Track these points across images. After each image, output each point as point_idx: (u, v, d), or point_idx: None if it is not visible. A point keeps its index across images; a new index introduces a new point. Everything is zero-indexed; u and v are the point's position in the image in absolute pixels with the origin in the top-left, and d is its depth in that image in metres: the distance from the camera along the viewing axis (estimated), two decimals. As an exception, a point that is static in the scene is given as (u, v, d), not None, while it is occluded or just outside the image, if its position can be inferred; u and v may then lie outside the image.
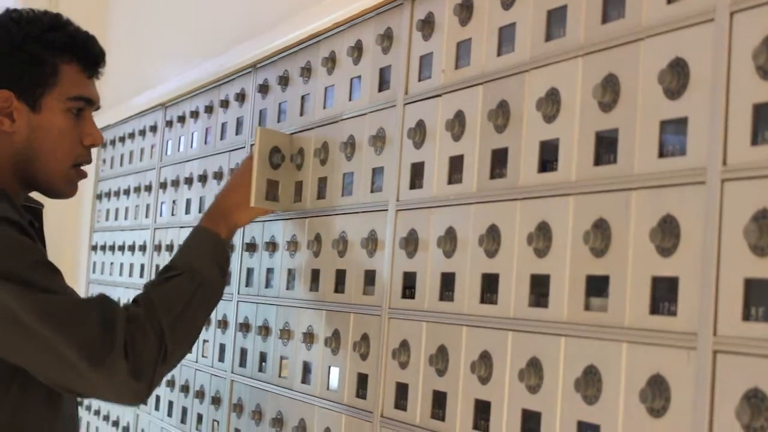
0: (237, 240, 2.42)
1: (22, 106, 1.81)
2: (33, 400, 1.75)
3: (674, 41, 1.22)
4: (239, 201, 2.02)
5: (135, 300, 1.78)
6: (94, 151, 1.99)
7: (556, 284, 1.36)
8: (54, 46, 1.84)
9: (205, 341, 2.59)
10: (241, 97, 2.51)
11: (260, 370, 2.26)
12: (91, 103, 1.90)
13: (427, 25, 1.74)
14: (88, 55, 1.90)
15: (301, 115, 2.20)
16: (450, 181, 1.64)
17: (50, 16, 1.89)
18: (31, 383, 1.71)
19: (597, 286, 1.30)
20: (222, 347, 2.48)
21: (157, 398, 2.86)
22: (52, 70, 1.84)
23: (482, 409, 1.49)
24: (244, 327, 2.34)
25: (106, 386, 1.65)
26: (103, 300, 1.72)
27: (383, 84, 1.89)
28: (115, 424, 3.22)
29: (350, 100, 2.00)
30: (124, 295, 3.22)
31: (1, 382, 1.71)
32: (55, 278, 1.71)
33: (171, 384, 2.74)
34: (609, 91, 1.30)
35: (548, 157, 1.42)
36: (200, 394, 2.57)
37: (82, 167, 1.91)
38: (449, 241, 1.59)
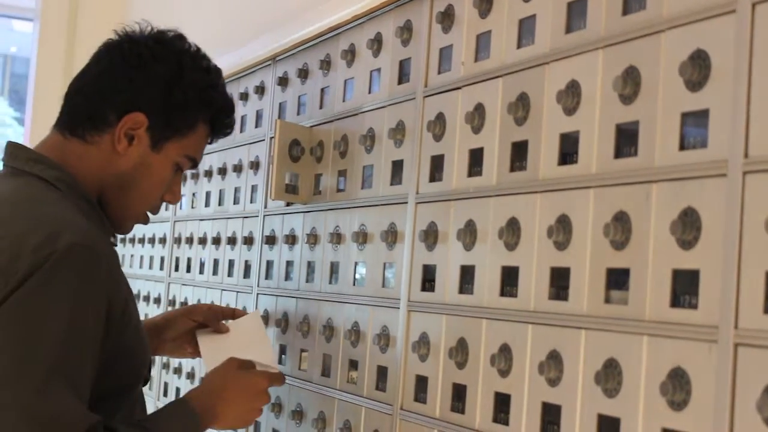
0: (257, 233, 2.43)
1: (146, 138, 1.73)
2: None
3: (695, 33, 1.21)
4: (237, 409, 1.82)
5: None
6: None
7: (577, 277, 1.36)
8: (207, 105, 1.79)
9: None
10: (260, 89, 2.51)
11: (280, 362, 2.26)
12: (195, 166, 1.86)
13: (446, 18, 1.73)
14: (224, 126, 1.86)
15: (321, 107, 2.20)
16: (470, 174, 1.64)
17: (215, 69, 1.84)
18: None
19: (617, 279, 1.30)
20: (242, 339, 2.49)
21: (177, 391, 2.87)
22: (192, 123, 1.77)
23: (502, 402, 1.49)
24: (264, 319, 2.34)
25: None
26: None
27: (403, 76, 1.88)
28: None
29: (370, 92, 2.00)
30: (144, 287, 3.24)
31: None
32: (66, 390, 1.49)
33: (191, 377, 2.75)
34: (629, 84, 1.29)
35: (568, 149, 1.42)
36: (220, 386, 2.57)
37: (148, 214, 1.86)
38: (469, 233, 1.59)
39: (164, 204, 1.85)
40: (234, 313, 2.13)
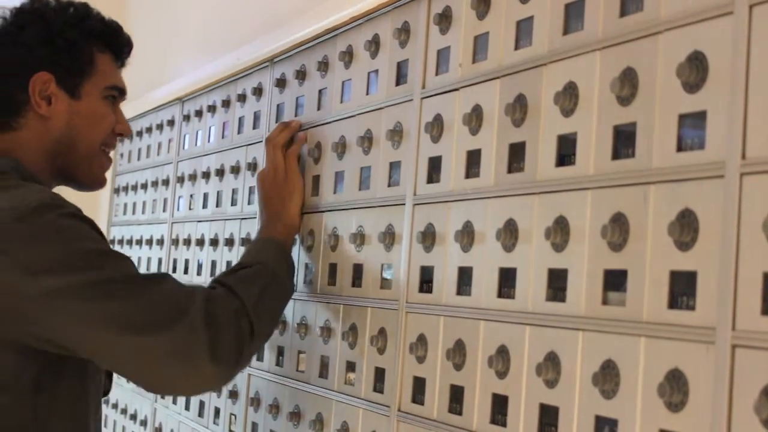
0: (254, 234, 2.42)
1: (61, 92, 1.82)
2: (59, 400, 1.71)
3: (693, 34, 1.21)
4: (282, 201, 2.06)
5: (209, 287, 1.78)
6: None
7: (574, 278, 1.36)
8: (90, 34, 1.87)
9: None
10: (258, 91, 2.51)
11: (277, 364, 2.26)
12: (123, 93, 1.93)
13: (444, 19, 1.73)
14: (120, 44, 1.94)
15: (318, 109, 2.20)
16: (467, 176, 1.64)
17: (80, 5, 1.92)
18: (58, 382, 1.68)
19: (615, 281, 1.30)
20: (239, 341, 2.48)
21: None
22: (88, 58, 1.86)
23: (500, 404, 1.49)
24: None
25: (178, 364, 1.60)
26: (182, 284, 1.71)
27: (400, 78, 1.88)
28: (133, 417, 3.23)
29: (367, 94, 2.00)
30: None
31: (21, 380, 1.65)
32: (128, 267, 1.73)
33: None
34: (627, 85, 1.29)
35: (566, 151, 1.42)
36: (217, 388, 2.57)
37: (107, 152, 1.93)
38: (467, 235, 1.59)
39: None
40: None
